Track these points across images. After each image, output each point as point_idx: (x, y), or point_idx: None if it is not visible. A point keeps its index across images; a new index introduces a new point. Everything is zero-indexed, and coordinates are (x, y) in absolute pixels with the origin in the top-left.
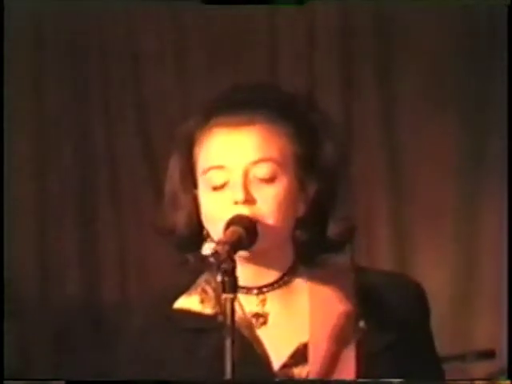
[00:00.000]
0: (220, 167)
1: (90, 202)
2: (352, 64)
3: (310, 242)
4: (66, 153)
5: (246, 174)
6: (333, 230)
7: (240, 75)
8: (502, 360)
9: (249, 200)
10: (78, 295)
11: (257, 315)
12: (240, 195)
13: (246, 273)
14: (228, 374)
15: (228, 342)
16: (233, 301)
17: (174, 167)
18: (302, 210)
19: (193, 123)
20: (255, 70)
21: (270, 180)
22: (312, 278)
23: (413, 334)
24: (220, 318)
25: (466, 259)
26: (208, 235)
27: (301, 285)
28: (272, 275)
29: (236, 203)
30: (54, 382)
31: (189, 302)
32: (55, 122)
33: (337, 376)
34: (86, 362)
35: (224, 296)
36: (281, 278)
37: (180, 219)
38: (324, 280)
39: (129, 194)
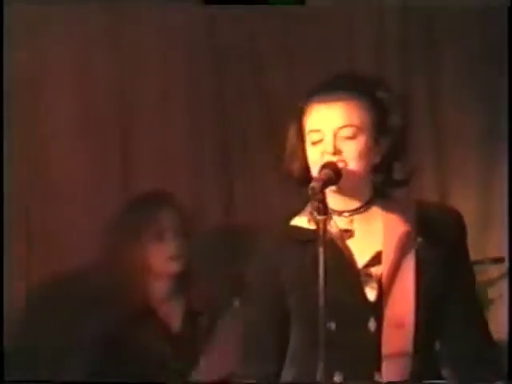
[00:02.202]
0: (317, 130)
1: (229, 154)
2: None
3: (382, 182)
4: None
5: (335, 135)
6: (398, 173)
7: (323, 66)
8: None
9: (336, 152)
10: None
11: (346, 231)
12: (330, 148)
13: (337, 201)
14: (321, 274)
15: (321, 250)
16: (324, 221)
17: (292, 131)
18: (376, 159)
19: (302, 102)
20: (337, 59)
21: (352, 138)
22: (384, 207)
23: (455, 248)
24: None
25: (486, 187)
26: (311, 176)
27: (376, 211)
28: (356, 204)
29: (327, 154)
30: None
31: (300, 221)
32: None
33: (400, 275)
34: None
35: (318, 217)
36: (362, 206)
37: (296, 165)
38: (392, 208)
39: (259, 150)
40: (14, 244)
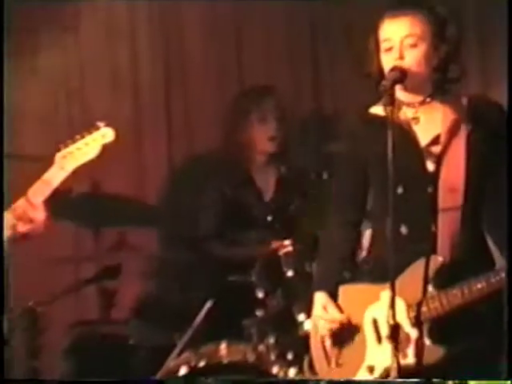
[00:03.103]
0: (388, 39)
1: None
2: None
3: (440, 80)
4: None
5: (401, 42)
6: (452, 72)
7: None
8: None
9: (402, 57)
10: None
11: (413, 118)
12: (397, 54)
13: (405, 95)
14: (390, 150)
15: (389, 133)
16: (392, 111)
17: (371, 39)
18: (435, 62)
19: (379, 17)
20: None
21: (415, 46)
22: (442, 100)
23: (496, 132)
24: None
25: None
26: (384, 75)
27: (436, 103)
28: (420, 97)
29: (396, 58)
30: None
31: (377, 109)
32: None
33: (454, 152)
34: None
35: (388, 108)
36: (424, 99)
37: (373, 67)
38: (449, 101)
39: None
40: None
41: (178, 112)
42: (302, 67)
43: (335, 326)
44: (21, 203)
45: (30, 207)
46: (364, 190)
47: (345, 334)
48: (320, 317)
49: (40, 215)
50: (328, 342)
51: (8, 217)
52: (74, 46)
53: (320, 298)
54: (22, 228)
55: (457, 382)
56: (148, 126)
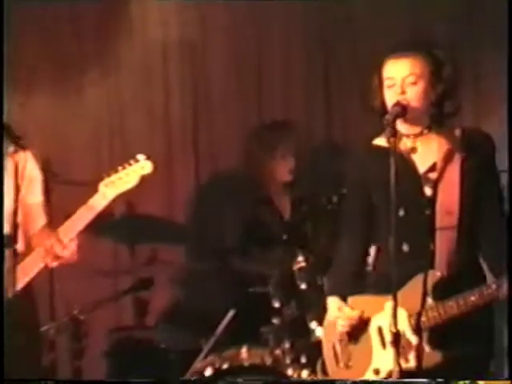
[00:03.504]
0: (391, 78)
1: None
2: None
3: (437, 114)
4: None
5: (403, 81)
6: (448, 108)
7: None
8: None
9: (403, 92)
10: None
11: (412, 148)
12: (399, 90)
13: (405, 128)
14: (392, 177)
15: (392, 161)
16: (395, 142)
17: (375, 77)
18: (432, 98)
19: (384, 57)
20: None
21: (415, 83)
22: (438, 131)
23: (487, 160)
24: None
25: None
26: (387, 110)
27: (433, 134)
28: (418, 129)
29: (398, 94)
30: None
31: (380, 141)
32: None
33: (449, 178)
34: None
35: (391, 139)
36: (422, 131)
37: (377, 102)
38: (444, 132)
39: (353, 91)
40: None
41: (204, 142)
42: (315, 101)
43: (353, 322)
44: (51, 241)
45: (59, 245)
46: (370, 212)
47: (359, 332)
48: (337, 317)
49: (67, 253)
50: (338, 347)
51: (39, 251)
52: (115, 87)
53: (333, 301)
54: (51, 263)
55: (467, 382)
56: (178, 155)
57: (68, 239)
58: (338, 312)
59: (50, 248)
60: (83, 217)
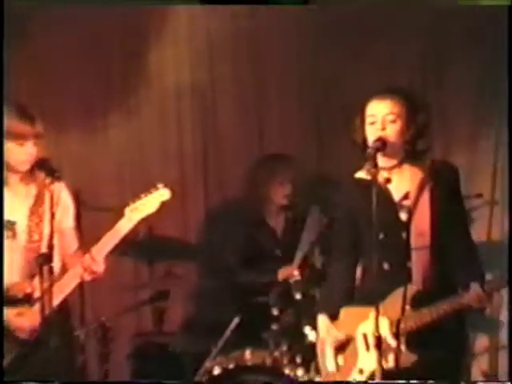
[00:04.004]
0: (373, 115)
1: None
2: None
3: (410, 150)
4: None
5: (384, 118)
6: (420, 145)
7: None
8: None
9: (384, 128)
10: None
11: (387, 179)
12: (380, 126)
13: (383, 161)
14: (374, 204)
15: (374, 191)
16: (375, 173)
17: (358, 116)
18: (408, 136)
19: (365, 99)
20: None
21: (393, 122)
22: (411, 164)
23: (453, 188)
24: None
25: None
26: (368, 145)
27: (406, 167)
28: (394, 162)
29: (378, 131)
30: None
31: (361, 173)
32: None
33: (421, 204)
34: None
35: (372, 171)
36: (397, 164)
37: (359, 138)
38: (416, 165)
39: (340, 125)
40: None
41: (212, 173)
42: (309, 137)
43: (338, 343)
44: (87, 259)
45: (93, 262)
46: (356, 235)
47: (344, 345)
48: (325, 338)
49: (100, 268)
50: (330, 351)
51: (74, 270)
52: (135, 126)
53: (322, 321)
54: (87, 278)
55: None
56: (190, 184)
57: (101, 257)
58: (326, 334)
59: (88, 266)
60: (112, 238)
